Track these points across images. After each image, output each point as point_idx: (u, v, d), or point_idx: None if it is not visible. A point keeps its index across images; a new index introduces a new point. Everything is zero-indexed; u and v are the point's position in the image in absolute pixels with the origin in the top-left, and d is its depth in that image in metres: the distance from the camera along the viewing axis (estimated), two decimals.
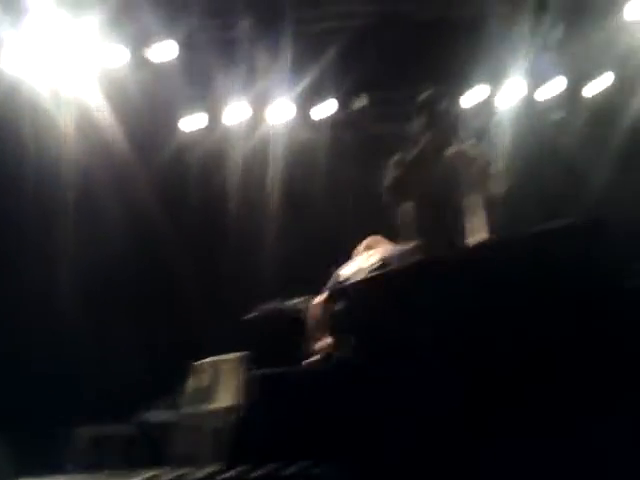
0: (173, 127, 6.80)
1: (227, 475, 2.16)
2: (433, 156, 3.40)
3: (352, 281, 2.48)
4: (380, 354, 2.10)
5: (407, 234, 3.46)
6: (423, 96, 3.62)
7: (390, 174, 3.48)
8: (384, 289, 2.21)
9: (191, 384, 5.39)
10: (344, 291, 2.18)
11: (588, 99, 6.84)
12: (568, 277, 1.79)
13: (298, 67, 6.44)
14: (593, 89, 6.78)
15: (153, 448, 5.11)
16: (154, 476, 2.15)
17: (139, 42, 6.08)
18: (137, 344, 6.17)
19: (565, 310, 1.82)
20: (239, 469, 2.16)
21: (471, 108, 6.91)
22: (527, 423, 1.80)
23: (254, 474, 2.13)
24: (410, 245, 3.27)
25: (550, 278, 1.77)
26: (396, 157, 3.53)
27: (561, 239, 1.88)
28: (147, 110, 6.29)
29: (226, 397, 4.77)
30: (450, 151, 3.45)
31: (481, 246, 2.20)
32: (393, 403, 2.05)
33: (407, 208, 3.49)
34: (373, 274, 2.77)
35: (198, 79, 6.50)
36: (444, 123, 3.43)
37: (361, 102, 6.93)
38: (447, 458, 1.91)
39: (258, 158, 6.94)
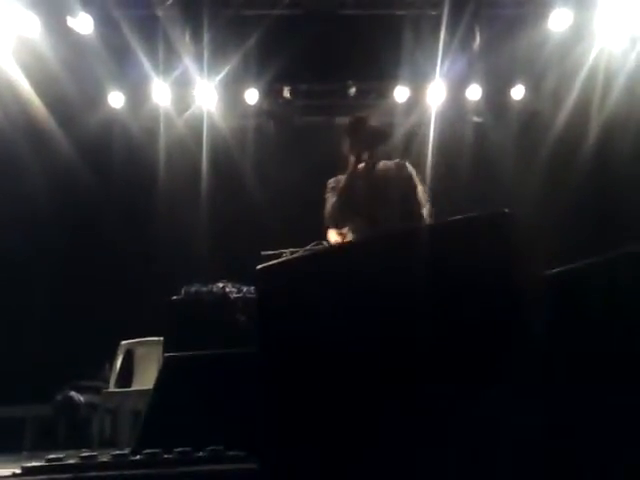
0: (94, 101, 6.61)
1: (132, 458, 2.10)
2: (363, 176, 3.45)
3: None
4: (288, 342, 2.08)
5: None
6: (348, 120, 3.64)
7: (328, 202, 3.53)
8: (292, 274, 2.19)
9: (116, 364, 5.31)
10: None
11: (508, 105, 7.05)
12: (467, 270, 1.82)
13: (220, 52, 6.38)
14: (514, 95, 6.99)
15: (73, 429, 4.99)
16: (57, 458, 2.07)
17: (55, 12, 5.91)
18: (60, 322, 5.97)
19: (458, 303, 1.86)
20: (146, 452, 2.11)
21: (395, 106, 7.03)
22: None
23: (162, 457, 2.08)
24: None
25: (449, 271, 1.81)
26: (331, 182, 3.54)
27: (461, 232, 1.91)
28: (68, 81, 6.09)
29: (148, 379, 4.71)
30: (380, 166, 3.52)
31: (385, 235, 2.22)
32: (299, 389, 2.05)
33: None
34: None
35: (117, 56, 6.35)
36: (367, 143, 3.48)
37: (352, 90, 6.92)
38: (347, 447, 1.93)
39: (183, 141, 6.84)
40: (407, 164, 3.54)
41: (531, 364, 1.80)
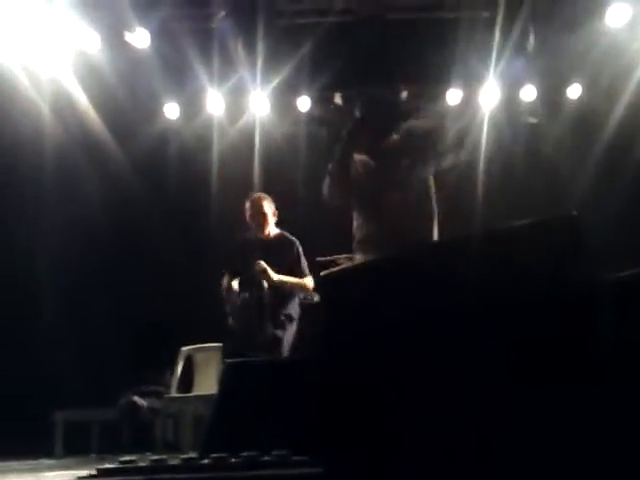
0: (150, 114, 6.78)
1: (202, 462, 2.16)
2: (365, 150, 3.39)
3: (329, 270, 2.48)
4: (352, 346, 2.10)
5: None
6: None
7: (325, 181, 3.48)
8: (357, 281, 2.21)
9: (177, 370, 5.44)
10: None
11: (565, 105, 6.93)
12: (538, 274, 1.81)
13: (273, 61, 6.46)
14: (570, 94, 6.88)
15: (136, 432, 5.14)
16: (130, 461, 2.14)
17: (113, 28, 6.08)
18: (122, 329, 6.14)
19: (537, 308, 1.85)
20: (214, 456, 2.16)
21: (448, 110, 7.00)
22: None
23: (229, 461, 2.13)
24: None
25: (520, 275, 1.80)
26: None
27: (532, 235, 1.90)
28: (124, 95, 6.27)
29: (208, 384, 4.81)
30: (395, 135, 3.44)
31: (449, 242, 2.22)
32: (366, 394, 2.07)
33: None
34: (346, 265, 2.78)
35: (173, 69, 6.49)
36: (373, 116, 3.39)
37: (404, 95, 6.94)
38: (422, 448, 1.93)
39: (236, 150, 6.95)
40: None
41: (598, 370, 1.78)
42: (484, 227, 3.06)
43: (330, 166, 3.38)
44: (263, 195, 4.88)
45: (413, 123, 3.50)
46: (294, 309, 4.59)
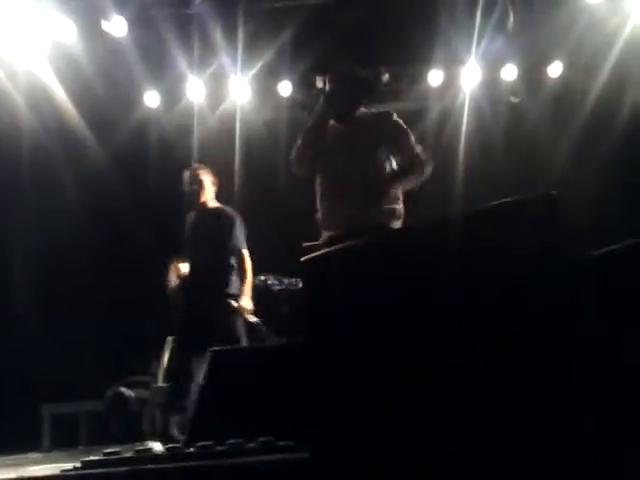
0: (129, 103, 6.71)
1: (187, 451, 2.16)
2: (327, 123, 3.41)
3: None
4: (336, 331, 2.09)
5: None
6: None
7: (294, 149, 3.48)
8: (339, 265, 2.19)
9: (163, 359, 5.42)
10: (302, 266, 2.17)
11: (546, 83, 6.92)
12: (518, 254, 1.81)
13: (254, 46, 6.40)
14: (551, 73, 6.86)
15: (124, 423, 5.13)
16: (114, 452, 2.13)
17: (89, 17, 6.00)
18: (106, 320, 6.11)
19: (518, 289, 1.85)
20: (199, 445, 2.16)
21: (430, 90, 6.98)
22: None
23: (215, 449, 2.13)
24: None
25: (500, 255, 1.80)
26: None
27: (511, 215, 1.89)
28: (102, 85, 6.20)
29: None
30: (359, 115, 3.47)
31: (429, 224, 2.21)
32: (352, 379, 2.06)
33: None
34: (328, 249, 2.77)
35: (152, 56, 6.42)
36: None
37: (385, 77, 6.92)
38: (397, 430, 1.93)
39: (217, 137, 6.91)
40: (393, 113, 3.49)
41: (589, 350, 1.78)
42: (463, 208, 3.05)
43: (304, 131, 3.39)
44: (201, 165, 4.84)
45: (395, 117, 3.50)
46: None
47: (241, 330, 4.19)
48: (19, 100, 5.97)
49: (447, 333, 1.89)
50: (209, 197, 4.69)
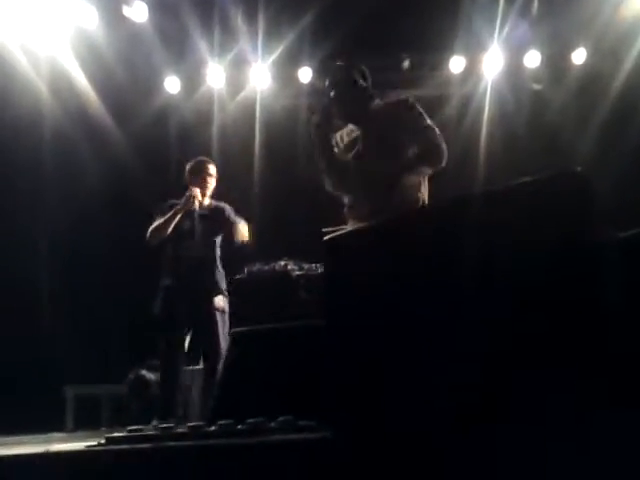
0: (150, 89, 6.73)
1: (208, 429, 2.17)
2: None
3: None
4: (354, 310, 2.09)
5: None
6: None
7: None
8: (359, 245, 2.18)
9: (186, 343, 5.45)
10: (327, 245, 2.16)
11: (570, 70, 6.84)
12: (545, 232, 1.78)
13: (274, 32, 6.38)
14: (575, 60, 6.78)
15: (145, 406, 5.16)
16: (137, 429, 2.15)
17: (110, 2, 6.03)
18: (129, 305, 6.14)
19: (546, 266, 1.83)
20: (220, 423, 2.17)
21: (452, 77, 6.93)
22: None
23: (236, 427, 2.14)
24: None
25: (525, 234, 1.78)
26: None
27: (535, 192, 1.87)
28: (123, 71, 6.23)
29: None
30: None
31: (450, 204, 2.19)
32: (365, 359, 2.06)
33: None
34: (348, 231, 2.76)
35: (172, 42, 6.42)
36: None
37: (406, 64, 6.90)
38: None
39: (237, 124, 6.91)
40: (410, 100, 3.40)
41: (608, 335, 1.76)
42: (485, 188, 3.01)
43: (319, 163, 3.40)
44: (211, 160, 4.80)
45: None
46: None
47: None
48: (41, 86, 6.02)
49: (467, 313, 1.88)
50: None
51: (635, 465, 1.63)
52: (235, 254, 4.68)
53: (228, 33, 6.38)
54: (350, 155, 3.38)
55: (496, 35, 6.49)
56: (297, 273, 4.84)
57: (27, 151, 6.13)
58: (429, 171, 3.41)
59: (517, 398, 1.80)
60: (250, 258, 4.67)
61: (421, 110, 3.41)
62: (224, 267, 4.61)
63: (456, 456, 1.77)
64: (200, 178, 4.64)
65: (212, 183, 4.69)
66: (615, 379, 1.72)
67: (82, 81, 6.26)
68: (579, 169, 1.76)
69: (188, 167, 4.77)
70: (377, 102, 3.49)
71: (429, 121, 3.39)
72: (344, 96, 3.37)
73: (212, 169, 4.72)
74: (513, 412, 1.73)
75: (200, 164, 4.73)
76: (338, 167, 3.37)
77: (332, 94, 3.38)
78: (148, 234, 4.43)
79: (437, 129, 3.39)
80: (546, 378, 1.79)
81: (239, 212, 4.78)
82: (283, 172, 6.74)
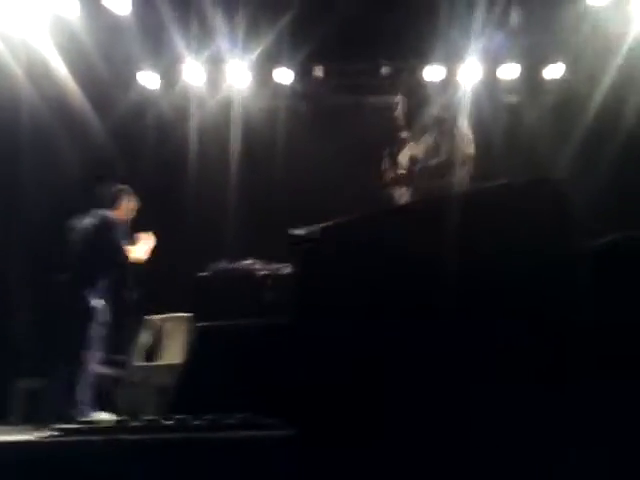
0: (129, 81, 6.66)
1: (165, 423, 2.13)
2: None
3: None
4: (324, 309, 2.07)
5: None
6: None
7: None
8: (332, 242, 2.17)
9: (142, 339, 5.39)
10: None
11: (545, 84, 6.90)
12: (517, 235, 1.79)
13: (253, 30, 6.36)
14: (552, 74, 6.84)
15: (98, 402, 5.06)
16: (90, 422, 2.10)
17: None
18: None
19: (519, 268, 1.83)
20: (177, 417, 2.13)
21: (430, 85, 6.94)
22: None
23: (192, 422, 2.10)
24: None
25: (500, 233, 1.78)
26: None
27: (498, 197, 1.88)
28: (102, 62, 6.17)
29: (174, 354, 4.78)
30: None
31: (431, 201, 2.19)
32: (331, 359, 2.04)
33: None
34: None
35: (152, 36, 6.37)
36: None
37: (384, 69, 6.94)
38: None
39: (214, 120, 6.87)
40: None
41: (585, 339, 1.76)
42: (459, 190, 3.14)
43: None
44: None
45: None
46: None
47: None
48: (19, 73, 5.94)
49: (440, 315, 1.88)
50: None
51: None
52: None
53: (206, 30, 6.34)
54: None
55: (473, 45, 6.52)
56: (262, 273, 4.81)
57: (3, 135, 6.03)
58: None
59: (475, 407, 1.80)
60: (217, 256, 4.65)
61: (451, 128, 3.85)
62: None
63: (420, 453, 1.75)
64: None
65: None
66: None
67: (61, 69, 6.19)
68: (555, 176, 1.78)
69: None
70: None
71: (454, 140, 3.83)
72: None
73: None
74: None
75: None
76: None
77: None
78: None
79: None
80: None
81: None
82: (259, 171, 6.72)
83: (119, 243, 4.79)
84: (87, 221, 4.92)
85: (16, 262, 6.14)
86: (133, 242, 4.94)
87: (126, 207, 5.08)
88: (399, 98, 3.88)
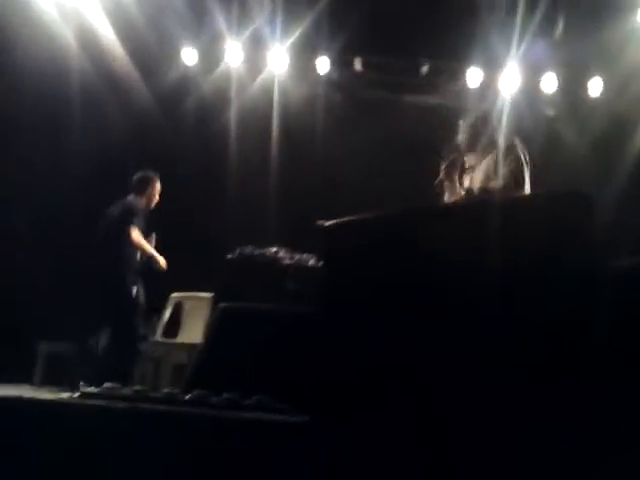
0: (173, 56, 6.69)
1: (184, 397, 2.17)
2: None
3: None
4: (353, 300, 2.09)
5: None
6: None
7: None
8: (359, 236, 2.18)
9: (164, 315, 5.46)
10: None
11: (584, 99, 6.82)
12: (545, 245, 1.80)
13: (294, 13, 6.34)
14: (590, 89, 6.76)
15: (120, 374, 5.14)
16: (113, 388, 2.15)
17: None
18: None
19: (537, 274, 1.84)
20: (196, 393, 2.17)
21: (469, 90, 6.88)
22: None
23: (211, 400, 2.14)
24: None
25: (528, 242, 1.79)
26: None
27: (539, 205, 1.89)
28: (149, 33, 6.22)
29: (194, 333, 4.84)
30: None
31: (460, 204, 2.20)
32: (352, 348, 2.06)
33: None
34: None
35: (195, 11, 6.39)
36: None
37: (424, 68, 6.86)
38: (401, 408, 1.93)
39: (253, 103, 6.87)
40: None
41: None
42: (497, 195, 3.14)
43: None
44: None
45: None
46: None
47: None
48: (69, 38, 6.07)
49: (455, 311, 1.89)
50: None
51: None
52: None
53: (246, 11, 6.34)
54: None
55: (514, 51, 6.43)
56: (286, 262, 4.83)
57: (53, 101, 6.12)
58: None
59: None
60: (248, 240, 4.69)
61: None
62: None
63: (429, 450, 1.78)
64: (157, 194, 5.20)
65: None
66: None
67: (110, 36, 6.28)
68: (586, 190, 1.78)
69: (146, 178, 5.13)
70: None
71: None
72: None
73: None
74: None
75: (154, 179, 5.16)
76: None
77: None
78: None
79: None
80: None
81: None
82: (297, 158, 6.70)
83: (131, 231, 4.88)
84: (113, 209, 5.01)
85: (62, 220, 6.21)
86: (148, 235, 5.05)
87: (151, 194, 5.15)
88: (461, 122, 3.86)
